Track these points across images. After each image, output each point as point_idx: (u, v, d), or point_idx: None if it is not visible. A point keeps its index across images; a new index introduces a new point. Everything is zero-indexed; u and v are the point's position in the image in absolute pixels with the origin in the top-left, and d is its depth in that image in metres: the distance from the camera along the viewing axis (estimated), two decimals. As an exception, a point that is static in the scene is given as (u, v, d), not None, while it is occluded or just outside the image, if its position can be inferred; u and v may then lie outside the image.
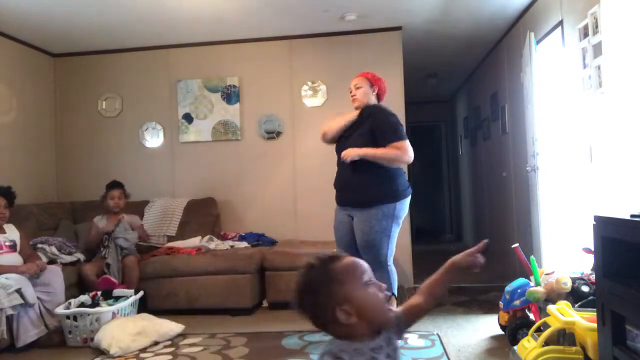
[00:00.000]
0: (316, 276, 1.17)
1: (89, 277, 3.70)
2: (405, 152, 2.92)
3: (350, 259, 1.20)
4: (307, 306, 1.18)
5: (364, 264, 1.20)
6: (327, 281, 1.15)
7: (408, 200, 3.05)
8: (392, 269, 3.05)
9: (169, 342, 3.23)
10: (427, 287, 1.30)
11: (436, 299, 1.29)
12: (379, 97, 3.18)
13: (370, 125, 2.98)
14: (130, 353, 3.01)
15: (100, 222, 4.08)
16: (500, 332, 3.16)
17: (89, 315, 3.19)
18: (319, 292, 1.15)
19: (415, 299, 1.29)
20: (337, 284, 1.15)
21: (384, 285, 1.19)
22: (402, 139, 2.95)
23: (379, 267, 2.92)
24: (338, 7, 4.17)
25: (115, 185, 4.18)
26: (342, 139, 3.12)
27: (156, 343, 3.19)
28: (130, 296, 3.52)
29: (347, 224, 3.05)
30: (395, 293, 3.09)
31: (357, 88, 3.12)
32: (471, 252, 1.30)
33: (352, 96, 3.15)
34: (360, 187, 2.96)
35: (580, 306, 2.55)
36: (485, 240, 1.35)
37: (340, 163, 3.04)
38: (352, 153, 2.89)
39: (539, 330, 2.54)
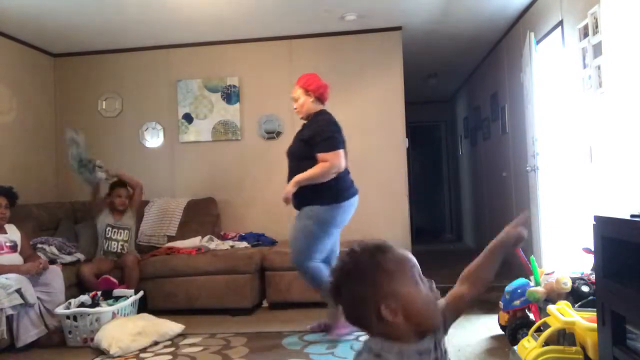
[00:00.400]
0: (362, 263, 1.03)
1: (87, 277, 3.71)
2: (331, 164, 3.00)
3: (400, 251, 1.08)
4: (345, 295, 1.05)
5: (414, 258, 1.08)
6: (374, 270, 1.02)
7: (341, 207, 3.08)
8: (312, 267, 3.10)
9: (169, 342, 3.23)
10: (471, 272, 1.18)
11: (483, 285, 1.16)
12: (320, 98, 3.21)
13: (309, 134, 3.10)
14: (130, 353, 3.01)
15: (106, 217, 4.12)
16: (500, 332, 3.15)
17: (89, 315, 3.19)
18: (362, 282, 1.02)
19: (457, 289, 1.17)
20: (385, 275, 1.02)
21: (433, 283, 1.08)
22: (330, 150, 3.02)
23: (295, 263, 3.16)
24: (338, 7, 4.17)
25: (121, 184, 4.22)
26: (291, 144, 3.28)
27: (156, 343, 3.19)
28: (130, 296, 3.52)
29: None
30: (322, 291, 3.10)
31: (296, 100, 3.21)
32: (514, 225, 1.20)
33: (295, 109, 3.27)
34: (297, 191, 3.07)
35: (580, 306, 2.55)
36: (526, 212, 1.29)
37: (288, 166, 3.21)
38: (287, 194, 3.02)
39: (539, 330, 2.54)
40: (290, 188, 3.03)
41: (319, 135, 3.05)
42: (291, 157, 3.22)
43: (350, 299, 1.04)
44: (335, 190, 3.07)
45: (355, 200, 3.18)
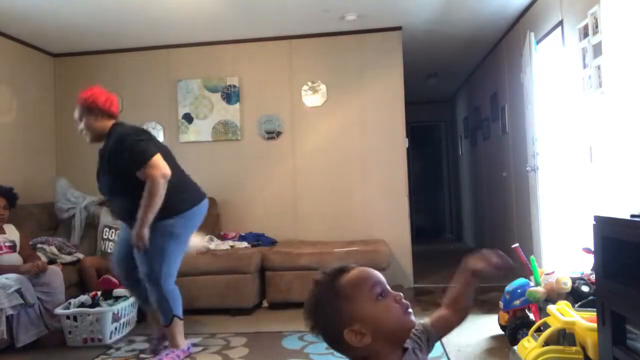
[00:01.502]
0: (322, 293, 1.05)
1: (88, 270, 3.71)
2: (153, 177, 2.56)
3: (358, 270, 1.07)
4: (319, 328, 1.06)
5: (375, 273, 1.07)
6: (333, 299, 1.03)
7: (192, 214, 2.81)
8: (168, 289, 2.78)
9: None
10: (455, 300, 1.20)
11: (467, 312, 1.19)
12: (107, 113, 2.76)
13: (112, 160, 2.66)
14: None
15: (104, 216, 4.13)
16: (500, 332, 3.16)
17: (89, 315, 3.19)
18: (325, 313, 1.04)
19: (443, 312, 1.19)
20: (344, 300, 1.02)
21: (400, 295, 1.05)
22: (143, 163, 2.58)
23: (156, 287, 2.78)
24: (338, 7, 4.17)
25: None
26: (101, 178, 2.79)
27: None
28: (131, 296, 3.52)
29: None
30: (180, 315, 2.87)
31: (81, 120, 2.76)
32: (493, 261, 1.20)
33: (80, 132, 2.81)
34: (135, 208, 2.65)
35: (580, 306, 2.55)
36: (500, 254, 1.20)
37: (113, 203, 2.85)
38: (142, 238, 2.61)
39: (539, 330, 2.54)
40: (141, 231, 2.59)
41: (123, 154, 2.60)
42: (110, 194, 2.78)
43: (322, 331, 1.06)
44: (181, 198, 2.74)
45: (205, 204, 2.92)
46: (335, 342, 1.04)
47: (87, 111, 2.73)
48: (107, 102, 2.76)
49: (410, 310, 1.04)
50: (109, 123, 2.76)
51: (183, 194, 2.77)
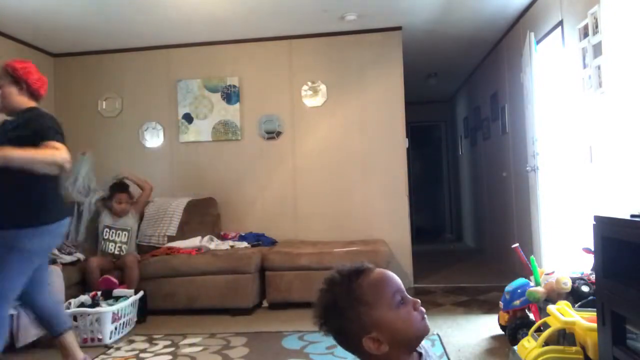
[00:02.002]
0: (341, 296, 1.01)
1: (93, 269, 3.72)
2: (61, 154, 2.30)
3: (377, 273, 1.04)
4: (332, 329, 1.04)
5: (396, 279, 1.04)
6: (352, 303, 1.00)
7: (51, 230, 2.40)
8: None
9: (169, 342, 3.23)
10: None
11: None
12: (33, 93, 2.56)
13: (27, 132, 2.36)
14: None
15: (105, 217, 4.14)
16: (500, 332, 3.16)
17: (89, 315, 3.20)
18: (343, 316, 1.00)
19: None
20: (363, 306, 0.99)
21: (418, 301, 1.02)
22: (52, 139, 2.33)
23: None
24: (338, 7, 4.17)
25: (123, 188, 4.18)
26: None
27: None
28: (130, 296, 3.52)
29: None
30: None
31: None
32: None
33: None
34: None
35: (580, 306, 2.55)
36: None
37: None
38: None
39: (539, 330, 2.54)
40: (7, 154, 2.24)
41: (44, 129, 2.36)
42: None
43: (335, 334, 1.04)
44: (46, 206, 2.38)
45: (66, 224, 2.50)
46: (348, 345, 1.03)
47: (12, 80, 2.48)
48: (39, 82, 2.58)
49: (425, 316, 1.03)
50: (30, 103, 2.52)
51: (51, 204, 2.44)
